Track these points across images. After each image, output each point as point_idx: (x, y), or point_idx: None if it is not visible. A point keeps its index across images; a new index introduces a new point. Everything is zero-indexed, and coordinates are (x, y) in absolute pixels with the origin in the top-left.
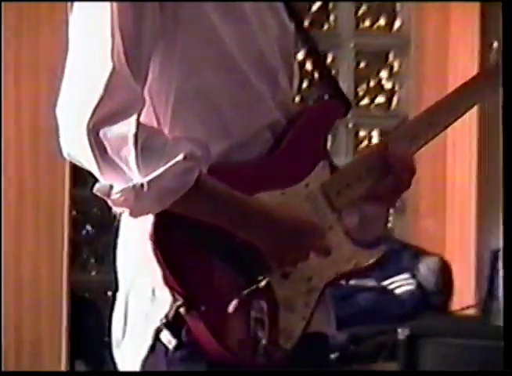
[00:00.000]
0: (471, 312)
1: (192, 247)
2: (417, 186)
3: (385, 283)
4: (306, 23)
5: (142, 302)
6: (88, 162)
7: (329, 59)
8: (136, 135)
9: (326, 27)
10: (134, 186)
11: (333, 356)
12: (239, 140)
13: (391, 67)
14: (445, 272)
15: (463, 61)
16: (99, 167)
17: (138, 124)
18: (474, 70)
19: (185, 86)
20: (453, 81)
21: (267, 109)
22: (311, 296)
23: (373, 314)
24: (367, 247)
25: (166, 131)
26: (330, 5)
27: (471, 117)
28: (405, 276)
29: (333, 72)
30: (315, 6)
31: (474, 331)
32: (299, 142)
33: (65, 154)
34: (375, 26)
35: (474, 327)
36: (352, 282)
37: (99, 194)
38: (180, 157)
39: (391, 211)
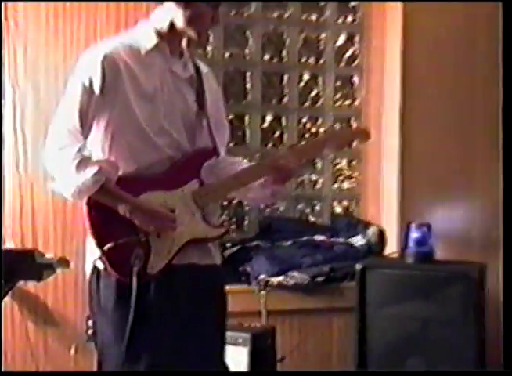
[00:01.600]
0: (395, 255)
1: (105, 219)
2: (367, 188)
3: (349, 240)
4: (308, 102)
5: (95, 251)
6: (51, 171)
7: (319, 122)
8: (74, 160)
9: (319, 103)
10: (69, 188)
11: (320, 279)
12: (143, 165)
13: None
14: (381, 234)
15: (391, 123)
16: (54, 174)
17: (77, 152)
18: (396, 128)
19: (116, 136)
20: (385, 133)
21: (161, 151)
22: (173, 248)
23: (342, 256)
24: (215, 227)
25: (108, 154)
26: (321, 92)
27: (393, 147)
28: (360, 236)
29: (321, 130)
30: (313, 93)
31: (396, 266)
32: (181, 167)
33: (45, 165)
34: (344, 104)
35: (396, 263)
36: (331, 239)
37: (54, 190)
38: (90, 174)
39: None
